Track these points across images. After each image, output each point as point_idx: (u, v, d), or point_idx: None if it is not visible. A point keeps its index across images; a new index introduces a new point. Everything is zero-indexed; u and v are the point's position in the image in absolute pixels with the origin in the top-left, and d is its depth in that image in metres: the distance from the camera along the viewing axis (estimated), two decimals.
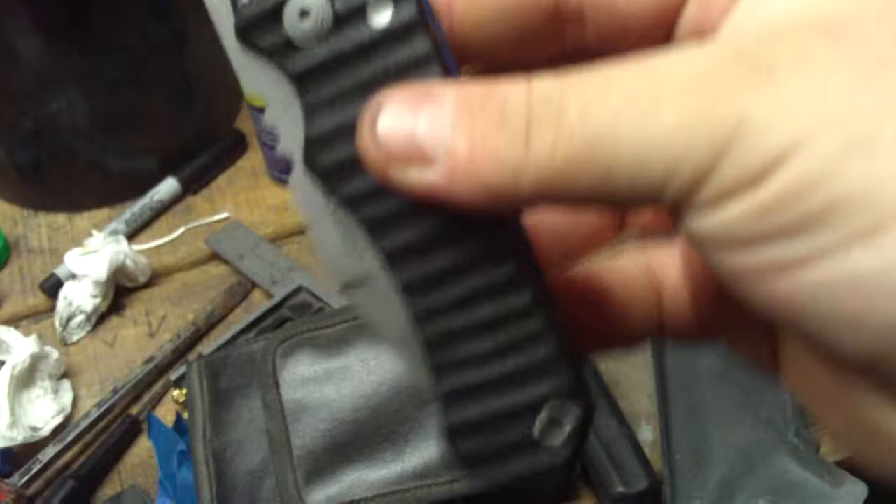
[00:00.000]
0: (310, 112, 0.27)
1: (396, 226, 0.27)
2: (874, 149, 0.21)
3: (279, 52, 0.27)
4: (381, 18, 0.26)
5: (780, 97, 0.22)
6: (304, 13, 0.26)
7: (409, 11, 0.26)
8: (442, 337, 0.28)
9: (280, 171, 0.97)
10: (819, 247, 0.21)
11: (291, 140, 0.28)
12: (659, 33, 0.28)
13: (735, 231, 0.23)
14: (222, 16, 0.28)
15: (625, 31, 0.28)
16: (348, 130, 0.26)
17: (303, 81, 0.27)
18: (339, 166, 0.27)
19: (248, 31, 0.27)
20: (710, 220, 0.23)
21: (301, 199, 0.28)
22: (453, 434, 0.28)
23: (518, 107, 0.23)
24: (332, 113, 0.27)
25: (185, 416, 0.78)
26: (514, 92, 0.24)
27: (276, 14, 0.27)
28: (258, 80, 0.28)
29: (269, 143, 0.94)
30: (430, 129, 0.24)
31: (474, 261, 0.27)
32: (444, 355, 0.28)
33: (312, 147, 0.27)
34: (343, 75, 0.27)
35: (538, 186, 0.23)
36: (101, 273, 0.85)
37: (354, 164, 0.27)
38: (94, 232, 0.91)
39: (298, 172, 0.28)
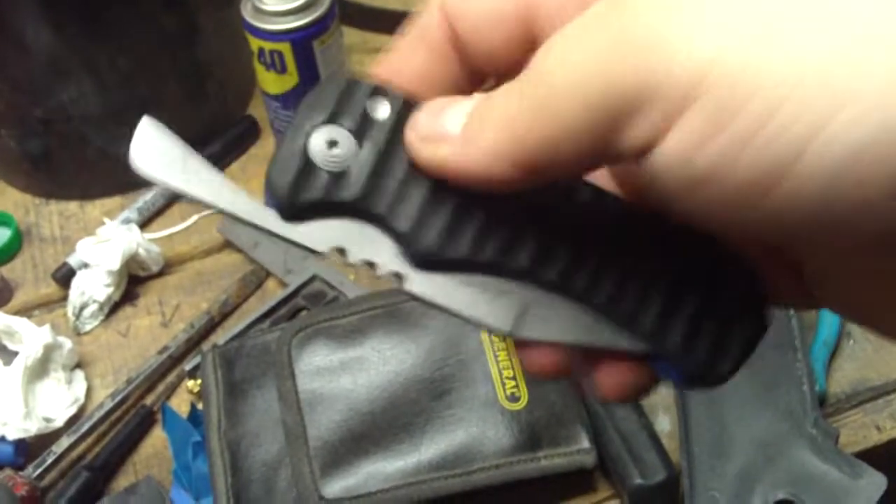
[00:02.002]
0: (389, 216, 0.29)
1: (522, 243, 0.29)
2: (793, 38, 0.20)
3: (332, 191, 0.29)
4: (383, 111, 0.30)
5: (681, 8, 0.22)
6: (331, 143, 0.29)
7: (397, 95, 0.30)
8: (631, 297, 0.30)
9: None
10: (790, 146, 0.21)
11: (387, 258, 0.30)
12: None
13: (693, 157, 0.23)
14: (260, 217, 0.30)
15: None
16: (430, 200, 0.29)
17: (366, 196, 0.29)
18: (445, 236, 0.29)
19: (293, 198, 0.29)
20: (669, 151, 0.23)
21: (430, 297, 0.30)
22: (689, 356, 0.30)
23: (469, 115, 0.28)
24: (406, 199, 0.29)
25: (200, 406, 0.78)
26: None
27: (307, 165, 0.29)
28: (326, 238, 0.30)
29: (281, 129, 0.93)
30: (450, 117, 0.28)
31: (597, 220, 0.30)
32: (634, 306, 0.30)
33: (414, 240, 0.29)
34: (392, 168, 0.29)
35: (523, 147, 0.26)
36: (114, 262, 0.84)
37: (459, 221, 0.29)
38: (107, 220, 0.91)
39: (414, 278, 0.30)
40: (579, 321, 0.30)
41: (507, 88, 0.27)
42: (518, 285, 0.30)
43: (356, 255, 0.30)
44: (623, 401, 0.32)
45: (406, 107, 0.30)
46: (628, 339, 0.30)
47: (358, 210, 0.29)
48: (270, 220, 0.30)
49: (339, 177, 0.29)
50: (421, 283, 0.30)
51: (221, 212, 0.30)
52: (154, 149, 0.29)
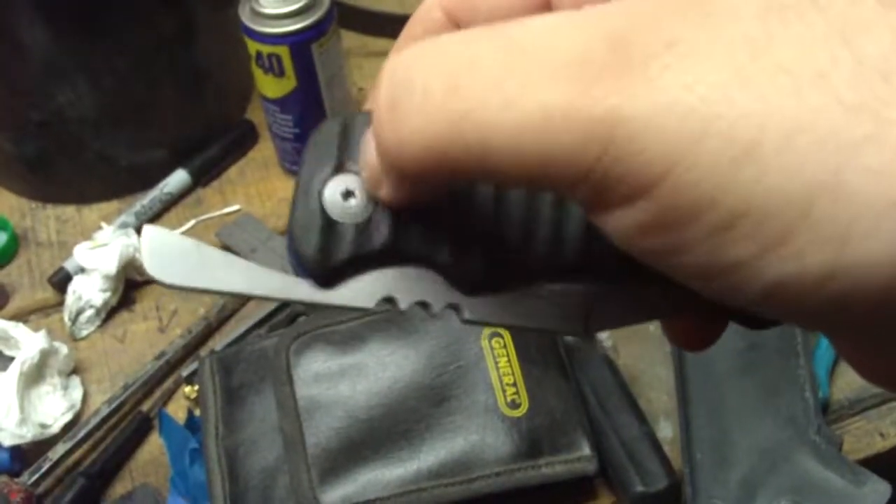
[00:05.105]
0: (428, 251, 0.27)
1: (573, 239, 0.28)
2: (760, 157, 0.19)
3: (362, 243, 0.27)
4: None
5: (656, 98, 0.20)
6: (347, 194, 0.27)
7: None
8: None
9: (291, 162, 0.95)
10: (733, 260, 0.20)
11: (439, 293, 0.28)
12: None
13: (636, 241, 0.21)
14: (296, 291, 0.28)
15: None
16: (466, 220, 0.27)
17: (397, 238, 0.27)
18: (504, 256, 0.27)
19: (324, 264, 0.27)
20: (609, 223, 0.22)
21: (493, 319, 0.28)
22: None
23: (385, 90, 0.23)
24: (440, 227, 0.27)
25: (197, 412, 0.77)
26: (384, 72, 0.24)
27: (329, 225, 0.27)
28: (369, 293, 0.28)
29: (280, 133, 0.93)
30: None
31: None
32: None
33: (461, 267, 0.27)
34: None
35: (420, 161, 0.23)
36: (111, 267, 0.83)
37: (502, 233, 0.27)
38: (104, 225, 0.90)
39: (471, 305, 0.28)
40: (644, 301, 0.28)
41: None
42: (576, 284, 0.28)
43: (406, 300, 0.28)
44: (700, 350, 0.30)
45: None
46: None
47: (393, 254, 0.27)
48: (308, 290, 0.28)
49: (364, 226, 0.27)
50: (480, 309, 0.28)
51: (256, 297, 0.28)
52: (167, 256, 0.27)
